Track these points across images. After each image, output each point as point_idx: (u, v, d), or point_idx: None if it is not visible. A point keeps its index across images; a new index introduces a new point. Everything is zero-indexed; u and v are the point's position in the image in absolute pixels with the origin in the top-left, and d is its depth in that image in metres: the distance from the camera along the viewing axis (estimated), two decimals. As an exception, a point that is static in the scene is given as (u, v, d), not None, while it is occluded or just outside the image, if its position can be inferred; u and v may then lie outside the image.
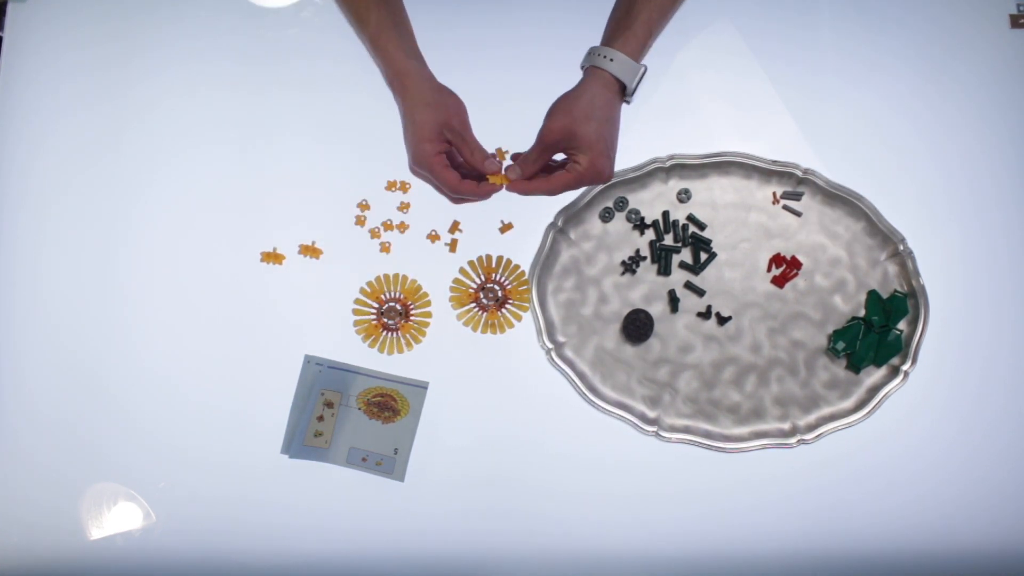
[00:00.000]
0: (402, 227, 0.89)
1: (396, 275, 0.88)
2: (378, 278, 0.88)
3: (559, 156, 0.74)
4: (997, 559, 0.84)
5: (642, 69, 0.73)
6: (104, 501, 0.85)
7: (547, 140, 0.72)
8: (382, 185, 0.90)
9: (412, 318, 0.87)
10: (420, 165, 0.72)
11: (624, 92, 0.73)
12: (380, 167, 0.90)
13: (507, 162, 0.75)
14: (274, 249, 0.89)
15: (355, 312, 0.87)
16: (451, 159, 0.73)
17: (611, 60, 0.72)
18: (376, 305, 0.88)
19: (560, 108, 0.72)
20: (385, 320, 0.87)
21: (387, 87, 0.74)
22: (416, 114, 0.71)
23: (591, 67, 0.73)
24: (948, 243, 0.89)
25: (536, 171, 0.74)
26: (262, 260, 0.88)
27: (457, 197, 0.74)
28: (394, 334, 0.87)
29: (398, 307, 0.87)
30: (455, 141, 0.72)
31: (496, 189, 0.74)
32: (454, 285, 0.88)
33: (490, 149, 0.75)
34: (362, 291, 0.88)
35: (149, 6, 0.94)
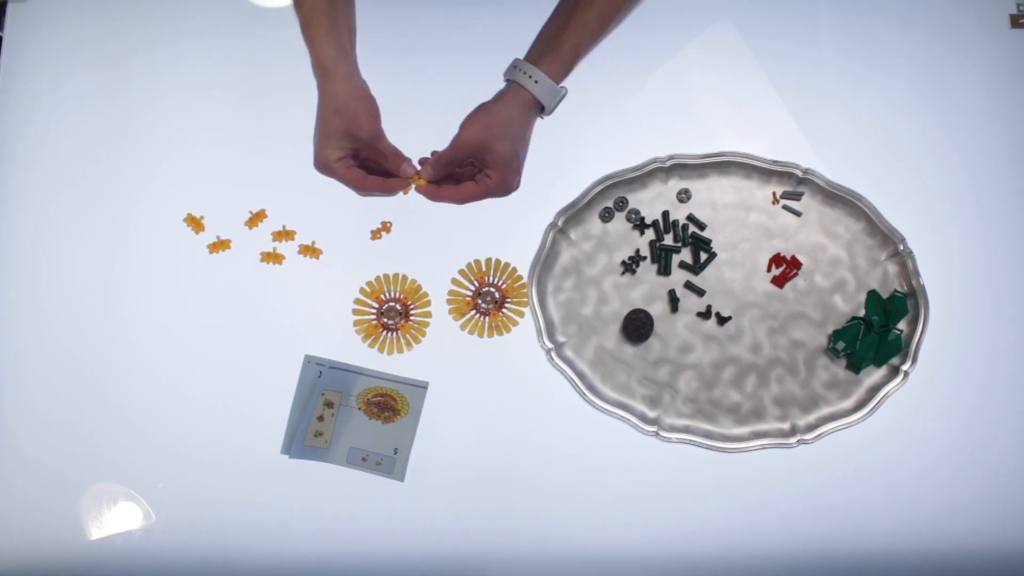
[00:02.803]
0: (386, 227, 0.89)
1: (396, 275, 0.88)
2: (378, 278, 0.88)
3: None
4: (997, 559, 0.84)
5: (563, 92, 0.73)
6: (104, 501, 0.85)
7: (461, 149, 0.72)
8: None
9: (412, 318, 0.87)
10: (322, 168, 0.72)
11: (542, 110, 0.74)
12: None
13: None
14: (274, 249, 0.89)
15: (355, 312, 0.87)
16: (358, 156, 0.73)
17: (535, 81, 0.72)
18: (376, 305, 0.88)
19: (478, 120, 0.72)
20: (385, 320, 0.87)
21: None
22: (325, 118, 0.71)
23: (513, 82, 0.73)
24: (948, 243, 0.89)
25: (443, 175, 0.74)
26: (262, 260, 0.88)
27: (364, 193, 0.74)
28: (394, 334, 0.87)
29: (398, 307, 0.87)
30: (364, 151, 0.72)
31: (403, 185, 0.73)
32: (450, 297, 0.88)
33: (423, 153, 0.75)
34: (362, 291, 0.88)
35: (149, 6, 0.94)
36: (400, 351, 0.87)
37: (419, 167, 0.74)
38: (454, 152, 0.72)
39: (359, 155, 0.73)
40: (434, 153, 0.75)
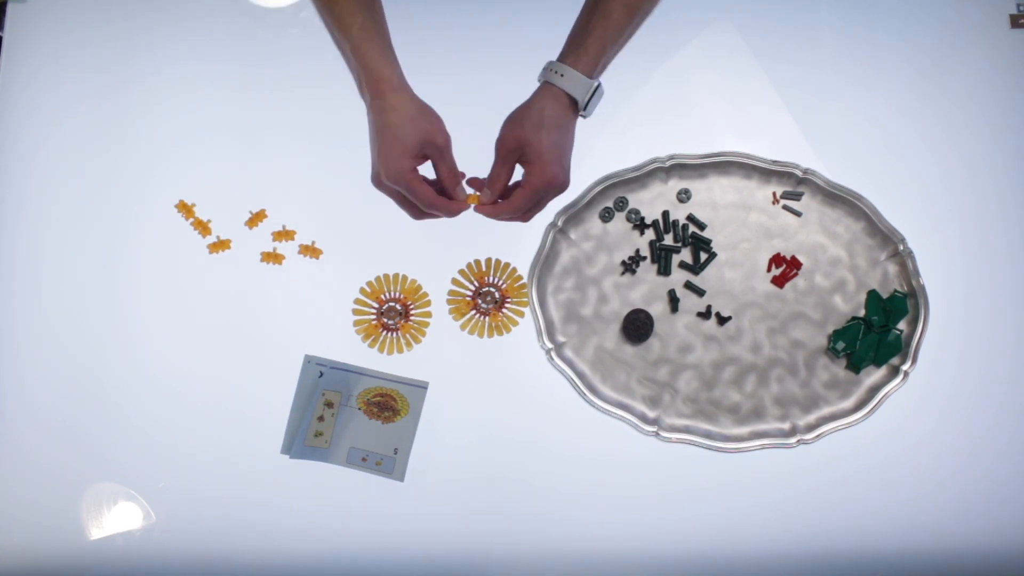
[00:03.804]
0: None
1: (396, 275, 0.88)
2: (378, 278, 0.88)
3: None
4: (997, 559, 0.84)
5: (594, 85, 0.73)
6: (104, 501, 0.85)
7: (501, 151, 0.73)
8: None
9: (412, 318, 0.87)
10: (394, 179, 0.71)
11: (580, 109, 0.74)
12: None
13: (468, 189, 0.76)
14: (274, 249, 0.89)
15: (355, 312, 0.87)
16: None
17: (561, 75, 0.72)
18: (376, 305, 0.88)
19: (512, 119, 0.73)
20: (385, 320, 0.87)
21: (359, 92, 0.73)
22: (398, 128, 0.71)
23: (544, 82, 0.73)
24: (948, 243, 0.89)
25: (502, 187, 0.75)
26: (262, 260, 0.88)
27: (424, 212, 0.75)
28: (394, 334, 0.87)
29: (398, 307, 0.87)
30: (435, 159, 0.73)
31: (465, 207, 0.75)
32: (450, 297, 0.88)
33: (470, 159, 0.76)
34: (362, 291, 0.88)
35: (149, 6, 0.94)
36: (400, 351, 0.87)
37: (468, 189, 0.75)
38: (497, 157, 0.74)
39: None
40: (473, 180, 0.76)
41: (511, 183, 0.76)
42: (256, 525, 0.84)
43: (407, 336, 0.87)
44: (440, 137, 0.72)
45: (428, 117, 0.72)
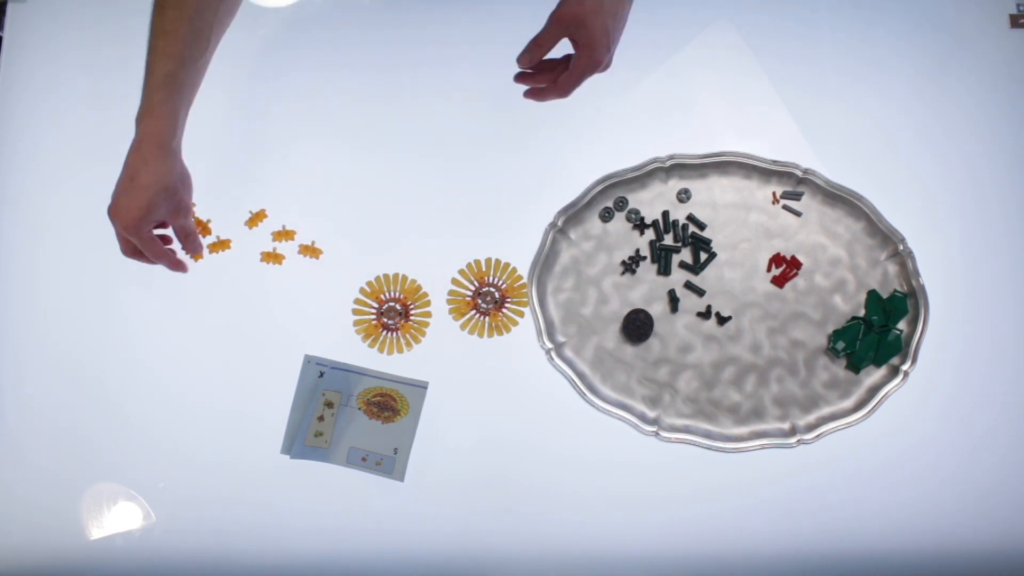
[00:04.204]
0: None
1: (396, 275, 0.88)
2: (378, 278, 0.88)
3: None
4: (997, 559, 0.84)
5: None
6: (104, 501, 0.85)
7: (555, 24, 0.73)
8: (383, 184, 0.90)
9: (412, 318, 0.87)
10: (129, 228, 0.75)
11: None
12: (381, 166, 0.90)
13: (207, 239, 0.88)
14: (274, 249, 0.89)
15: (355, 312, 0.87)
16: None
17: None
18: (376, 305, 0.88)
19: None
20: (385, 320, 0.87)
21: (136, 115, 0.75)
22: (148, 189, 0.74)
23: None
24: (948, 243, 0.89)
25: (540, 57, 0.75)
26: (262, 260, 0.88)
27: (148, 259, 0.80)
28: (394, 334, 0.87)
29: (398, 307, 0.87)
30: (178, 231, 0.80)
31: (185, 268, 0.84)
32: (450, 297, 0.88)
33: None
34: (362, 291, 0.88)
35: (149, 6, 0.94)
36: (400, 351, 0.87)
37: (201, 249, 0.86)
38: (549, 30, 0.73)
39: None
40: (522, 56, 0.76)
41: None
42: (256, 525, 0.84)
43: (407, 336, 0.87)
44: (183, 210, 0.79)
45: (184, 188, 0.78)
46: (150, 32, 0.74)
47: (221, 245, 0.89)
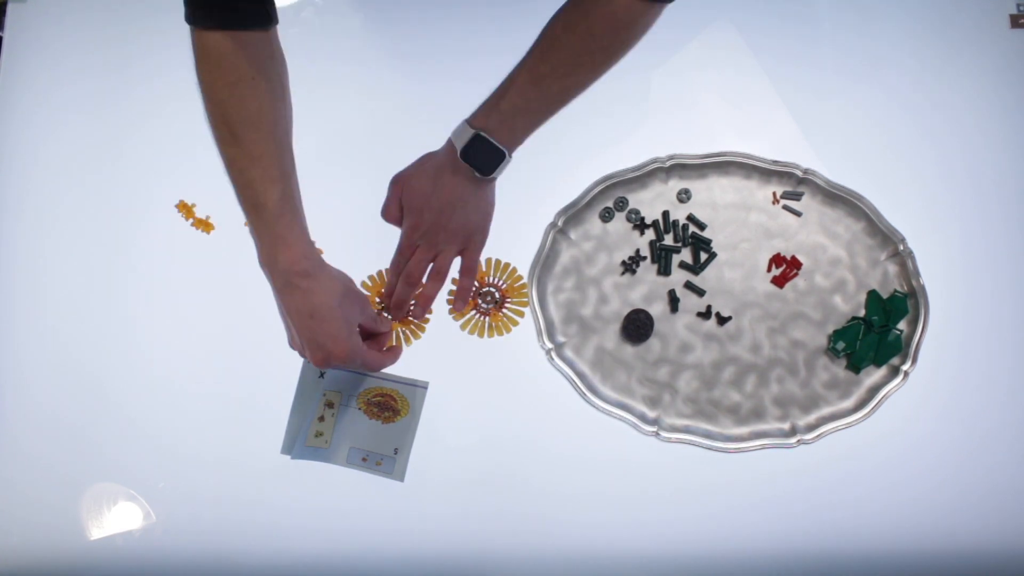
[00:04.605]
0: None
1: None
2: (380, 272, 0.88)
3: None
4: (997, 559, 0.84)
5: (469, 132, 0.73)
6: (104, 501, 0.85)
7: (391, 186, 0.80)
8: (383, 184, 0.90)
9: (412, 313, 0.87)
10: (350, 358, 0.74)
11: (467, 161, 0.74)
12: (381, 166, 0.90)
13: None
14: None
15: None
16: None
17: (455, 128, 0.75)
18: (377, 300, 0.87)
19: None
20: (385, 315, 0.87)
21: (262, 263, 0.73)
22: (340, 310, 0.73)
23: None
24: (948, 243, 0.89)
25: (394, 215, 0.81)
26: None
27: (367, 368, 0.80)
28: (394, 330, 0.87)
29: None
30: (368, 324, 0.78)
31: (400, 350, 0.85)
32: (451, 297, 0.88)
33: None
34: (363, 285, 0.88)
35: (149, 6, 0.94)
36: (409, 343, 0.87)
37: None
38: (388, 194, 0.80)
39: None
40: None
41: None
42: (256, 525, 0.84)
43: (407, 331, 0.87)
44: (366, 302, 0.78)
45: (352, 289, 0.77)
46: (232, 167, 0.70)
47: (203, 224, 0.89)
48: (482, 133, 0.72)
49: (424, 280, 0.83)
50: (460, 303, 0.85)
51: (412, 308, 0.85)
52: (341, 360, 0.74)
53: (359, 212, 0.89)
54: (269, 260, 0.71)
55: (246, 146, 0.68)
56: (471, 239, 0.80)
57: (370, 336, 0.81)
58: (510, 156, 0.74)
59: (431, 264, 0.81)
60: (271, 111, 0.69)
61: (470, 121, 0.73)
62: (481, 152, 0.73)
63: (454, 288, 0.85)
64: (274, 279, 0.72)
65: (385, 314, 0.87)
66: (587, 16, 0.68)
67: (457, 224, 0.77)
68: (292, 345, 0.78)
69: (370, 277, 0.88)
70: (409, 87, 0.93)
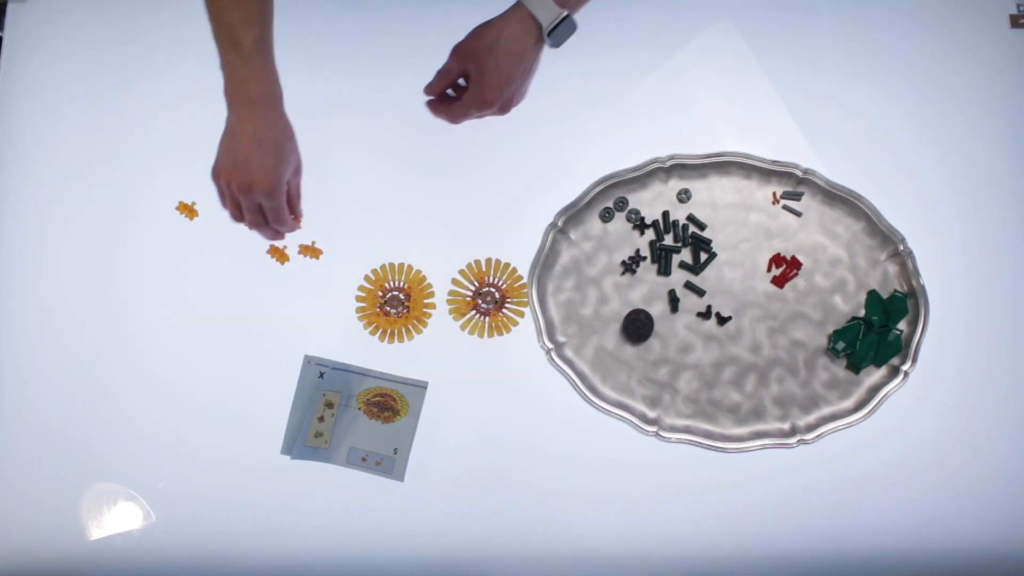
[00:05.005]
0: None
1: (401, 264, 0.88)
2: (383, 267, 0.88)
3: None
4: (997, 559, 0.84)
5: (561, 14, 0.72)
6: (104, 501, 0.85)
7: (454, 57, 0.75)
8: (382, 185, 0.90)
9: (415, 307, 0.87)
10: (271, 192, 0.76)
11: (546, 37, 0.73)
12: (380, 167, 0.90)
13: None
14: (284, 247, 0.89)
15: (358, 299, 0.87)
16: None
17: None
18: (380, 293, 0.87)
19: (475, 31, 0.74)
20: (388, 308, 0.87)
21: (226, 94, 0.75)
22: (286, 144, 0.77)
23: (516, 1, 0.73)
24: (948, 243, 0.89)
25: (445, 86, 0.77)
26: (268, 252, 0.88)
27: (258, 225, 0.81)
28: (397, 321, 0.87)
29: (401, 296, 0.87)
30: (292, 190, 0.81)
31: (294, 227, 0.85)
32: (450, 297, 0.88)
33: None
34: (366, 278, 0.88)
35: (149, 6, 0.94)
36: (401, 340, 0.87)
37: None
38: (449, 63, 0.75)
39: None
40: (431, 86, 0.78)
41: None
42: (256, 525, 0.84)
43: (409, 326, 0.87)
44: (300, 166, 0.82)
45: (296, 144, 0.79)
46: (214, 8, 0.72)
47: (187, 210, 0.89)
48: (569, 12, 0.72)
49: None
50: (449, 116, 0.79)
51: None
52: (264, 190, 0.76)
53: (359, 213, 0.89)
54: (237, 91, 0.74)
55: None
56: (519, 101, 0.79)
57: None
58: None
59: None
60: None
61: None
62: (566, 29, 0.73)
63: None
64: (238, 108, 0.75)
65: (388, 308, 0.87)
66: None
67: (521, 93, 0.77)
68: (214, 170, 0.78)
69: (373, 271, 0.88)
70: (409, 87, 0.92)
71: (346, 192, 0.90)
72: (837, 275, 0.88)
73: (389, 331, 0.87)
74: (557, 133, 0.91)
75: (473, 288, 0.88)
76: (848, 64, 0.93)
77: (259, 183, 0.76)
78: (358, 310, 0.87)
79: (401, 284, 0.88)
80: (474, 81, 0.74)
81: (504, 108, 0.76)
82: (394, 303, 0.87)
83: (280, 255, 0.88)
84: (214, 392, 0.86)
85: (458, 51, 0.75)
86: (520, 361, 0.86)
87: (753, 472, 0.84)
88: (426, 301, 0.88)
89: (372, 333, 0.87)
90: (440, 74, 0.76)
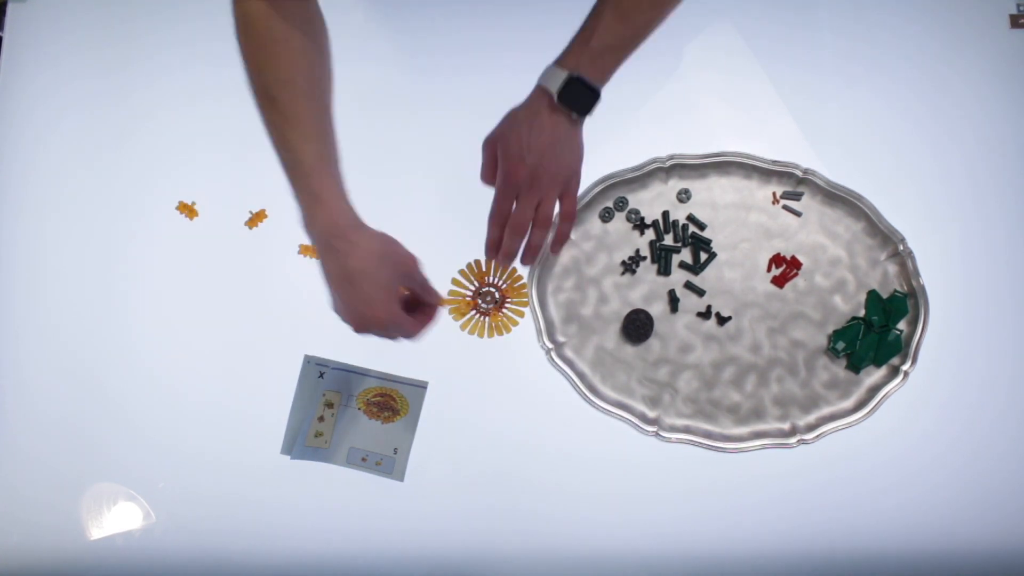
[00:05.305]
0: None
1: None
2: (476, 262, 0.88)
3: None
4: (997, 559, 0.84)
5: (562, 75, 0.71)
6: (104, 501, 0.85)
7: (485, 149, 0.76)
8: (383, 184, 0.90)
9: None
10: (385, 323, 0.71)
11: (561, 103, 0.73)
12: (381, 167, 0.90)
13: None
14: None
15: None
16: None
17: (545, 72, 0.73)
18: (473, 287, 0.87)
19: (499, 122, 0.76)
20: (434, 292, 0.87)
21: (304, 226, 0.71)
22: (375, 273, 0.70)
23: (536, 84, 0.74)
24: (948, 243, 0.89)
25: (489, 177, 0.77)
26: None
27: (405, 336, 0.75)
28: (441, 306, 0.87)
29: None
30: (416, 290, 0.74)
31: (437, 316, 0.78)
32: (450, 298, 0.88)
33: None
34: (460, 272, 0.87)
35: (150, 7, 0.95)
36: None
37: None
38: (483, 155, 0.77)
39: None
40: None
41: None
42: (256, 525, 0.84)
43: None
44: (410, 264, 0.73)
45: (396, 247, 0.72)
46: (272, 131, 0.69)
47: (187, 210, 0.89)
48: (577, 74, 0.72)
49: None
50: (558, 247, 0.83)
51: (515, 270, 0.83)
52: (379, 325, 0.71)
53: (360, 213, 0.89)
54: (308, 221, 0.70)
55: (281, 106, 0.68)
56: (570, 182, 0.78)
57: (418, 305, 0.77)
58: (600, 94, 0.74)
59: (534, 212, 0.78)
60: (307, 70, 0.69)
61: (560, 63, 0.73)
62: (578, 93, 0.72)
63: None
64: (314, 241, 0.71)
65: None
66: None
67: (557, 167, 0.76)
68: (335, 310, 0.74)
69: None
70: (409, 88, 0.93)
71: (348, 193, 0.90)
72: (837, 275, 0.88)
73: None
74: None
75: (473, 288, 0.88)
76: (848, 64, 0.93)
77: (370, 318, 0.70)
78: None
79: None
80: (501, 158, 0.75)
81: (536, 181, 0.75)
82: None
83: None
84: (214, 392, 0.86)
85: (486, 141, 0.76)
86: (520, 361, 0.86)
87: (753, 472, 0.84)
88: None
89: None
90: (482, 168, 0.77)
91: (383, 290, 0.70)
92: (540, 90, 0.73)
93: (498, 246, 0.79)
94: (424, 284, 0.75)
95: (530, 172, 0.74)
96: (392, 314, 0.71)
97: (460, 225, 0.89)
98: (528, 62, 0.93)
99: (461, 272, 0.88)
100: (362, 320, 0.71)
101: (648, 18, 0.73)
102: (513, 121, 0.75)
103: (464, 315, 0.87)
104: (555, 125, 0.74)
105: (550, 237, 0.83)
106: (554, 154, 0.75)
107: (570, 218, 0.81)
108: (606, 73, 0.74)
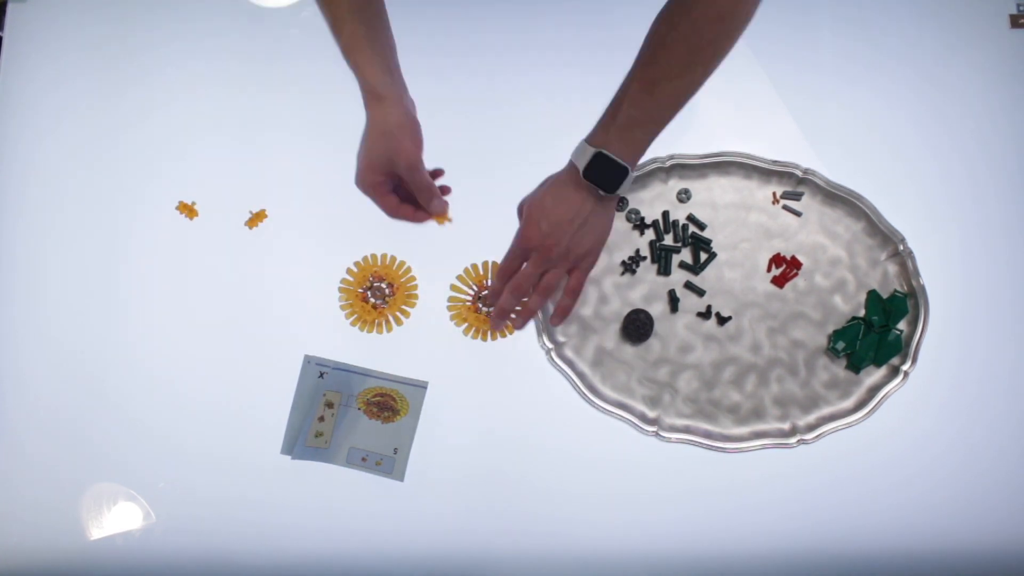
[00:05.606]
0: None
1: (384, 255, 0.88)
2: (365, 258, 0.88)
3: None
4: (997, 559, 0.84)
5: (590, 152, 0.71)
6: (104, 501, 0.85)
7: (519, 214, 0.79)
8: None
9: (398, 296, 0.87)
10: (361, 188, 0.74)
11: (589, 179, 0.72)
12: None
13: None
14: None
15: (340, 290, 0.87)
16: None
17: (576, 148, 0.74)
18: (474, 289, 0.87)
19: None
20: (375, 301, 0.87)
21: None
22: (371, 140, 0.72)
23: None
24: (948, 243, 0.89)
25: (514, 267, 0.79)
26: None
27: (394, 217, 0.77)
28: (381, 314, 0.87)
29: (383, 286, 0.87)
30: (404, 176, 0.74)
31: (427, 217, 0.77)
32: (450, 304, 0.88)
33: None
34: (348, 271, 0.88)
35: (149, 6, 0.95)
36: (390, 330, 0.86)
37: (445, 202, 0.76)
38: (517, 214, 0.80)
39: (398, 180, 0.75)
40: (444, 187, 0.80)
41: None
42: (256, 525, 0.84)
43: (394, 315, 0.87)
44: (404, 159, 0.72)
45: (402, 134, 0.72)
46: (325, 10, 0.72)
47: (187, 209, 0.89)
48: (603, 151, 0.71)
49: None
50: (558, 319, 0.84)
51: (513, 319, 0.84)
52: (360, 189, 0.75)
53: (359, 215, 0.89)
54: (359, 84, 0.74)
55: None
56: (583, 260, 0.78)
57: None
58: (632, 170, 0.72)
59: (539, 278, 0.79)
60: None
61: (589, 140, 0.72)
62: (604, 170, 0.71)
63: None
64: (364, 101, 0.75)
65: (371, 296, 0.87)
66: (689, 12, 0.67)
67: (573, 242, 0.76)
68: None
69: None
70: (409, 89, 0.93)
71: (346, 193, 0.90)
72: (837, 275, 0.88)
73: (375, 323, 0.87)
74: (556, 133, 0.90)
75: (473, 292, 0.88)
76: (848, 64, 0.93)
77: (356, 177, 0.74)
78: (343, 307, 0.87)
79: (380, 275, 0.87)
80: (520, 219, 0.77)
81: (546, 250, 0.75)
82: (377, 294, 0.87)
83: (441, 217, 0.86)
84: (214, 392, 0.86)
85: (520, 205, 0.78)
86: (520, 361, 0.86)
87: (753, 472, 0.84)
88: (409, 290, 0.88)
89: (362, 329, 0.87)
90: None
91: (367, 160, 0.73)
92: (571, 164, 0.74)
93: (497, 294, 0.81)
94: (419, 183, 0.74)
95: (542, 239, 0.75)
96: (366, 185, 0.74)
97: (459, 227, 0.89)
98: (528, 61, 0.93)
99: (459, 277, 0.88)
100: (355, 177, 0.75)
101: (675, 90, 0.70)
102: (544, 187, 0.77)
103: (465, 320, 0.87)
104: (581, 201, 0.74)
105: (551, 307, 0.85)
106: (571, 229, 0.75)
107: (574, 295, 0.81)
108: (636, 148, 0.72)
